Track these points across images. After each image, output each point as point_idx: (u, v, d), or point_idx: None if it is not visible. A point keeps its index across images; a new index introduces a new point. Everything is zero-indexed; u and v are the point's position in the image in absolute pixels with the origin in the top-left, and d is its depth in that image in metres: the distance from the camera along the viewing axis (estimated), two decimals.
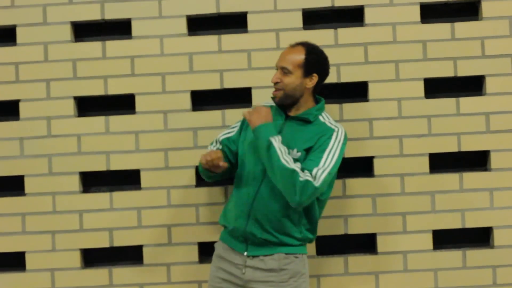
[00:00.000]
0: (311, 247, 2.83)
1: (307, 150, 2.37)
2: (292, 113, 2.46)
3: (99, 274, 2.85)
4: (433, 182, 2.83)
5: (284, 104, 2.45)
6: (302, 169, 2.28)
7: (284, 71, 2.41)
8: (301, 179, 2.23)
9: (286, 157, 2.27)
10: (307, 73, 2.41)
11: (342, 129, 2.43)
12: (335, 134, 2.39)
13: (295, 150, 2.36)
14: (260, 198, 2.38)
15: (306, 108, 2.45)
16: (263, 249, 2.40)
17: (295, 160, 2.31)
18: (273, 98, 2.46)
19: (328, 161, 2.32)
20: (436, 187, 2.83)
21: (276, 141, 2.29)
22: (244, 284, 2.40)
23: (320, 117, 2.46)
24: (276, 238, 2.39)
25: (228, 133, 2.59)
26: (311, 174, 2.26)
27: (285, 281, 2.39)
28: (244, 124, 2.55)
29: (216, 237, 2.65)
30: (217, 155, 2.39)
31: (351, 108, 2.84)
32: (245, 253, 2.41)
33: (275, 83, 2.43)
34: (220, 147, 2.57)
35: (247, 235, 2.40)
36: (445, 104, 2.84)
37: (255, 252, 2.40)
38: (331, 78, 2.82)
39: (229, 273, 2.43)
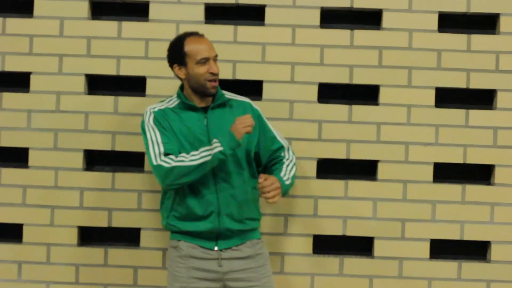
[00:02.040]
0: (308, 245, 2.83)
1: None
2: (205, 104, 2.44)
3: (95, 253, 2.85)
4: (435, 191, 2.83)
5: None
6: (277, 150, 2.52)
7: (215, 59, 2.43)
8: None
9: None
10: None
11: (245, 98, 2.56)
12: (252, 105, 2.53)
13: None
14: (224, 192, 2.38)
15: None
16: (232, 240, 2.41)
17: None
18: (209, 90, 2.40)
19: (272, 127, 2.55)
20: (437, 197, 2.83)
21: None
22: (222, 277, 2.39)
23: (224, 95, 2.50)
24: (247, 225, 2.43)
25: (168, 140, 2.37)
26: (288, 148, 2.56)
27: (262, 265, 2.44)
28: (163, 121, 2.40)
29: None
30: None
31: (360, 111, 2.84)
32: (216, 248, 2.39)
33: (216, 74, 2.41)
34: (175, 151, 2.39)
35: (220, 232, 2.39)
36: (455, 114, 2.84)
37: (225, 245, 2.40)
38: (343, 79, 2.83)
39: (204, 270, 2.38)
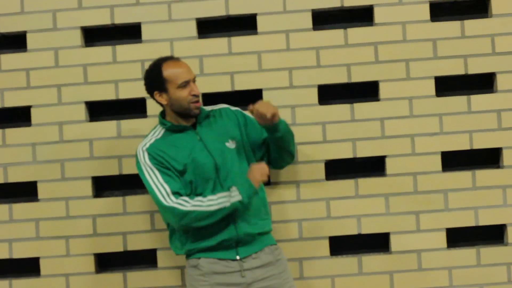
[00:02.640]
0: (325, 248, 2.83)
1: (235, 137, 2.48)
2: (191, 122, 2.46)
3: (114, 278, 2.85)
4: (446, 180, 2.83)
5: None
6: None
7: (194, 80, 2.44)
8: None
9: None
10: None
11: (221, 104, 2.61)
12: (230, 107, 2.57)
13: (230, 142, 2.45)
14: None
15: None
16: (252, 246, 2.41)
17: (231, 150, 2.43)
18: (193, 111, 2.42)
19: None
20: (448, 185, 2.83)
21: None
22: None
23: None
24: (263, 228, 2.44)
25: (169, 178, 2.36)
26: None
27: (283, 270, 2.45)
28: (159, 158, 2.38)
29: None
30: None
31: (362, 108, 2.84)
32: (237, 257, 2.39)
33: (198, 95, 2.43)
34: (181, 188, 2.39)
35: (240, 239, 2.39)
36: (456, 102, 2.84)
37: (246, 252, 2.40)
38: (341, 79, 2.84)
39: (228, 284, 2.37)
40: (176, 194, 2.33)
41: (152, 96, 2.45)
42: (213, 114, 2.53)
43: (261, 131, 2.55)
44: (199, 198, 2.33)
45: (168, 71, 2.39)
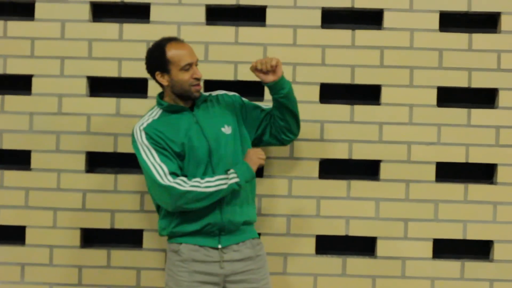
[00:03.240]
0: (311, 246, 2.83)
1: (232, 122, 2.47)
2: (189, 104, 2.46)
3: (98, 254, 2.85)
4: (438, 191, 2.83)
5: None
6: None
7: (196, 64, 2.43)
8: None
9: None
10: None
11: (219, 91, 2.60)
12: (228, 93, 2.57)
13: (226, 127, 2.44)
14: None
15: None
16: (234, 236, 2.41)
17: (227, 135, 2.42)
18: (194, 94, 2.41)
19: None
20: (440, 196, 2.83)
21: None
22: (224, 279, 2.38)
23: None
24: (248, 217, 2.44)
25: (167, 158, 2.34)
26: None
27: (262, 266, 2.45)
28: (156, 137, 2.36)
29: None
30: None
31: (362, 110, 2.84)
32: (219, 246, 2.38)
33: (199, 78, 2.42)
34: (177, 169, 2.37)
35: (224, 225, 2.38)
36: (457, 114, 2.84)
37: (228, 241, 2.39)
38: (344, 79, 2.83)
39: (206, 273, 2.37)
40: (173, 174, 2.31)
41: (153, 76, 2.44)
42: (211, 99, 2.53)
43: (259, 111, 2.55)
44: (197, 179, 2.32)
45: (171, 52, 2.38)
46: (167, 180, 2.29)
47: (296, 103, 2.51)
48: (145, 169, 2.34)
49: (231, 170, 2.34)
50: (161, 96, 2.50)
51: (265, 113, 2.55)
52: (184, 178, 2.31)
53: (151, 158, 2.33)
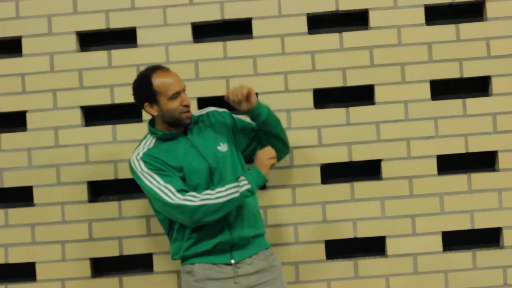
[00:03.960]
0: (321, 251, 2.83)
1: (226, 139, 2.46)
2: (181, 129, 2.46)
3: (110, 283, 2.85)
4: (442, 183, 2.83)
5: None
6: None
7: (184, 90, 2.42)
8: None
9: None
10: None
11: (208, 108, 2.59)
12: (217, 109, 2.56)
13: (221, 145, 2.43)
14: None
15: None
16: (246, 250, 2.40)
17: (224, 153, 2.42)
18: (184, 121, 2.41)
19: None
20: (444, 189, 2.83)
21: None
22: None
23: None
24: (257, 230, 2.44)
25: (170, 178, 2.34)
26: None
27: (278, 276, 2.45)
28: (155, 163, 2.36)
29: None
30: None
31: (358, 112, 2.84)
32: (232, 261, 2.38)
33: (188, 105, 2.42)
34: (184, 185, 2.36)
35: (234, 242, 2.38)
36: (452, 105, 2.84)
37: (241, 256, 2.39)
38: (336, 82, 2.84)
39: None
40: (182, 191, 2.30)
41: (142, 107, 2.43)
42: (202, 119, 2.52)
43: (250, 129, 2.54)
44: (207, 191, 2.30)
45: (158, 82, 2.37)
46: (176, 198, 2.28)
47: (278, 126, 2.50)
48: (152, 195, 2.33)
49: (242, 177, 2.31)
50: (152, 123, 2.49)
51: (256, 132, 2.54)
52: (194, 193, 2.30)
53: (155, 183, 2.33)
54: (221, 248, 2.38)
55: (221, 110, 2.58)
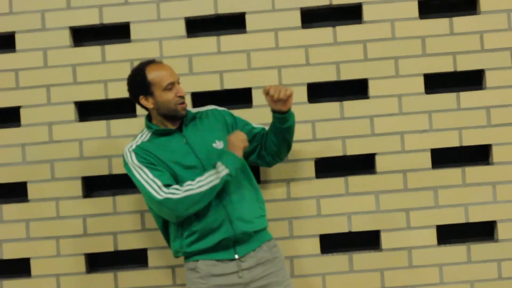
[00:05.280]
0: (316, 246, 2.83)
1: (223, 137, 2.45)
2: (177, 125, 2.46)
3: (105, 278, 2.85)
4: (436, 177, 2.83)
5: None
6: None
7: (178, 82, 2.44)
8: None
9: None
10: None
11: (208, 106, 2.60)
12: (218, 108, 2.57)
13: (217, 143, 2.44)
14: (227, 197, 2.38)
15: None
16: (249, 245, 2.40)
17: (219, 150, 2.41)
18: (180, 112, 2.42)
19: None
20: (438, 183, 2.83)
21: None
22: None
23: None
24: (259, 225, 2.43)
25: (159, 172, 2.35)
26: None
27: (281, 268, 2.45)
28: (147, 156, 2.38)
29: None
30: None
31: (352, 106, 2.84)
32: (236, 256, 2.38)
33: (183, 96, 2.42)
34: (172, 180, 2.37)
35: (237, 238, 2.38)
36: (446, 99, 2.84)
37: (244, 250, 2.39)
38: (330, 77, 2.84)
39: (227, 285, 2.37)
40: (167, 186, 2.32)
41: (137, 101, 2.44)
42: (199, 116, 2.53)
43: (251, 131, 2.55)
44: (188, 182, 2.32)
45: (152, 74, 2.39)
46: (162, 193, 2.29)
47: (293, 135, 2.52)
48: (141, 188, 2.35)
49: (218, 163, 2.32)
50: (148, 118, 2.50)
51: (256, 133, 2.55)
52: (177, 186, 2.32)
53: (144, 176, 2.34)
54: (225, 245, 2.38)
55: (220, 108, 2.59)
